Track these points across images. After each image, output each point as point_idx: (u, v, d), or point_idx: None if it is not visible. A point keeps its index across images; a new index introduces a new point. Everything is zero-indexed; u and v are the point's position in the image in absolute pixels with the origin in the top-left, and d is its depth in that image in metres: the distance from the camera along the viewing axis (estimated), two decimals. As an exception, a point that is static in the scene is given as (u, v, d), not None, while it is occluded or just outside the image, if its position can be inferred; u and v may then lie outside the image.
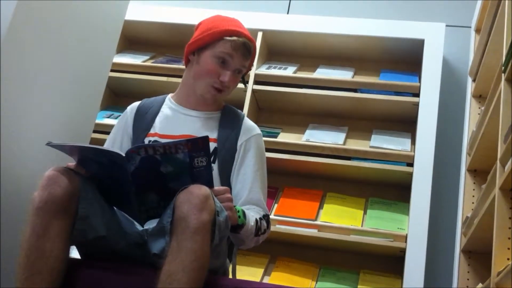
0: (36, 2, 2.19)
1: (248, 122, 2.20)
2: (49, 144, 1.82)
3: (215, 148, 2.07)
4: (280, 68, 3.48)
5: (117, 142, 2.17)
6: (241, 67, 2.12)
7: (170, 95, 2.25)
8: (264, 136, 2.93)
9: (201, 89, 2.12)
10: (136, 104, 2.25)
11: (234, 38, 2.08)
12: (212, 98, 2.14)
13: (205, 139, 1.76)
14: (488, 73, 2.63)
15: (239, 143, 2.12)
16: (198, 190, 1.69)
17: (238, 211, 1.89)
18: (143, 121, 2.17)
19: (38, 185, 1.73)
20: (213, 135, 2.09)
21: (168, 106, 2.20)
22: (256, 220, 1.97)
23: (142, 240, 1.87)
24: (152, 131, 2.14)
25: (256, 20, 3.48)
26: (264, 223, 2.01)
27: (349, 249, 3.08)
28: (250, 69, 2.22)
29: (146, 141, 2.10)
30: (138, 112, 2.21)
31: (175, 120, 2.15)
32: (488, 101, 2.43)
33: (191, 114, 2.16)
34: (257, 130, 2.20)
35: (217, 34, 2.09)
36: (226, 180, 2.07)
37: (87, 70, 2.62)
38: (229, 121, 2.16)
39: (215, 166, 2.05)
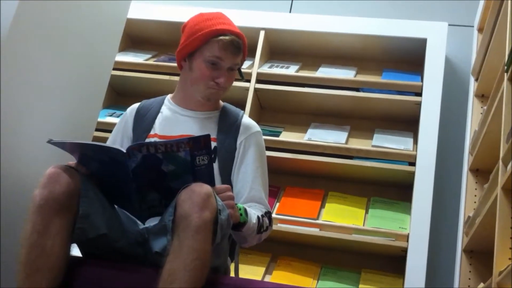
0: (38, 1, 2.19)
1: (246, 120, 2.19)
2: (50, 141, 1.82)
3: (215, 148, 2.07)
4: (282, 67, 3.48)
5: (117, 144, 2.16)
6: (233, 65, 2.10)
7: (169, 96, 2.24)
8: (266, 135, 2.93)
9: (200, 93, 2.12)
10: (135, 105, 2.25)
11: (220, 38, 2.05)
12: (214, 97, 2.14)
13: (207, 137, 1.76)
14: (491, 72, 2.62)
15: (238, 141, 2.12)
16: (200, 188, 1.69)
17: (240, 209, 1.89)
18: (143, 123, 2.17)
19: (39, 183, 1.73)
20: (212, 134, 2.08)
21: (167, 107, 2.19)
22: (258, 217, 1.97)
23: (143, 239, 1.87)
24: (152, 132, 2.13)
25: (258, 19, 3.48)
26: (266, 220, 2.01)
27: (351, 248, 3.08)
28: (244, 60, 2.18)
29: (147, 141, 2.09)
30: (138, 114, 2.20)
31: (174, 121, 2.15)
32: (490, 101, 2.42)
33: (190, 115, 2.15)
34: (256, 127, 2.19)
35: (202, 37, 2.06)
36: (227, 179, 2.07)
37: (89, 69, 2.62)
38: (228, 120, 2.16)
39: (215, 166, 2.04)
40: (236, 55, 2.09)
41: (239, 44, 2.08)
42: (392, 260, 3.02)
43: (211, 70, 2.07)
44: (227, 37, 2.05)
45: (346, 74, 3.40)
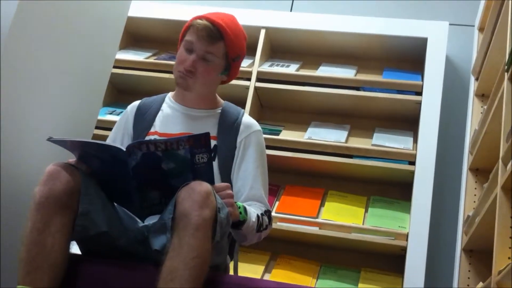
0: (39, 0, 2.19)
1: (247, 119, 2.19)
2: (50, 139, 1.82)
3: (215, 146, 2.07)
4: (282, 66, 3.48)
5: (118, 141, 2.16)
6: (205, 53, 2.06)
7: (170, 94, 2.24)
8: (266, 133, 2.94)
9: (175, 78, 2.12)
10: (136, 103, 2.25)
11: (194, 22, 2.08)
12: (183, 85, 2.09)
13: (207, 136, 1.76)
14: (491, 72, 2.62)
15: (238, 140, 2.12)
16: (200, 186, 1.69)
17: (239, 207, 1.89)
18: (143, 120, 2.17)
19: (39, 180, 1.73)
20: (213, 132, 2.08)
21: (168, 105, 2.19)
22: (258, 216, 1.97)
23: (143, 237, 1.87)
24: (152, 129, 2.13)
25: (259, 18, 3.48)
26: (265, 219, 2.01)
27: (350, 247, 3.08)
28: (232, 56, 2.12)
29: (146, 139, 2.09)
30: (139, 111, 2.20)
31: (175, 119, 2.15)
32: (490, 100, 2.42)
33: (190, 113, 2.15)
34: (256, 126, 2.19)
35: (185, 25, 2.12)
36: (226, 177, 2.07)
37: (90, 67, 2.62)
38: (228, 119, 2.15)
39: (215, 164, 2.04)
40: (209, 42, 2.06)
41: (212, 32, 2.06)
42: (392, 259, 3.02)
43: (186, 54, 2.08)
44: (199, 22, 2.06)
45: (346, 73, 3.40)
